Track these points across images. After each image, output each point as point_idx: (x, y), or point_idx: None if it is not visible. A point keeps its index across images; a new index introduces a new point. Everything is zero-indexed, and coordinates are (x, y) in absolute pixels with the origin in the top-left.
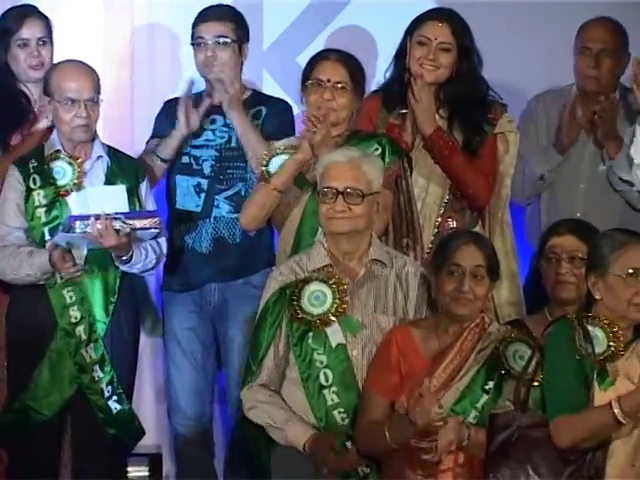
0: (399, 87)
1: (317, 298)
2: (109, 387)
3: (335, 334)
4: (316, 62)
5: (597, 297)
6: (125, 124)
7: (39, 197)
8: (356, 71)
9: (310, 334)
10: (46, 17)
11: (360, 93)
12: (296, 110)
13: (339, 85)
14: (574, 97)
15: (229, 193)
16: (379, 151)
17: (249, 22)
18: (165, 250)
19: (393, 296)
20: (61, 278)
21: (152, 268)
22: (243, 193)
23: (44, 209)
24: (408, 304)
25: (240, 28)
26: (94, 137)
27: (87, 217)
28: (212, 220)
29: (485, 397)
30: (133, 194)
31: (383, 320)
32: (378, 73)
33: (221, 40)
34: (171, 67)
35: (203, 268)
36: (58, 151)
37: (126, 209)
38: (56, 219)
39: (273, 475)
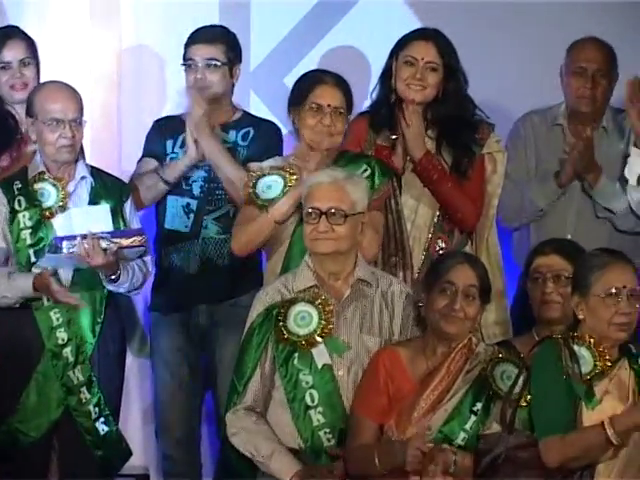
0: (386, 108)
1: (303, 319)
2: (96, 409)
3: (321, 355)
4: (314, 86)
5: (580, 317)
6: (112, 145)
7: (24, 219)
8: (349, 95)
9: (296, 355)
10: (30, 38)
11: (348, 116)
12: (284, 131)
13: (338, 110)
14: (564, 118)
15: (217, 214)
16: (368, 172)
17: None
18: (151, 269)
19: (379, 316)
20: (48, 300)
21: (139, 287)
22: (231, 214)
23: (29, 231)
24: (394, 324)
25: (231, 50)
26: (77, 158)
27: (74, 237)
28: (200, 241)
29: (473, 418)
30: (118, 214)
31: (369, 340)
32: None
33: (211, 63)
34: (158, 89)
35: (191, 289)
36: (42, 173)
37: (111, 228)
38: (41, 241)
39: None
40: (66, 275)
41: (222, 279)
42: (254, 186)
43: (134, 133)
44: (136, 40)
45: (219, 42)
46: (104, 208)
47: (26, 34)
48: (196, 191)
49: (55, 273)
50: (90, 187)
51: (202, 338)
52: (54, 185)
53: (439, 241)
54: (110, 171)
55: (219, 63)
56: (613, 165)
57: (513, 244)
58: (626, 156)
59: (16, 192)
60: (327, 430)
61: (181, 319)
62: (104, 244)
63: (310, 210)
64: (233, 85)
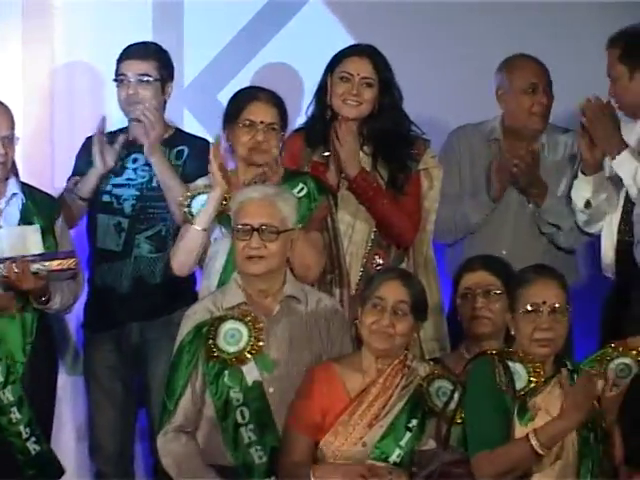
0: (321, 125)
1: (233, 336)
2: (27, 429)
3: (251, 372)
4: (247, 102)
5: (512, 333)
6: (45, 162)
7: None
8: (284, 110)
9: (226, 372)
10: None
11: (284, 132)
12: None
13: (272, 127)
14: (500, 133)
15: (149, 233)
16: (305, 191)
17: None
18: (82, 288)
19: (309, 333)
20: None
21: (69, 307)
22: (164, 233)
23: None
24: (325, 341)
25: (164, 67)
26: (9, 175)
27: (2, 260)
28: (132, 260)
29: (408, 435)
30: (49, 232)
31: (299, 357)
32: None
33: (144, 78)
34: (92, 104)
35: (123, 307)
36: None
37: (41, 249)
38: None
39: None
40: None
41: (155, 298)
42: (189, 205)
43: (67, 150)
44: (69, 56)
45: (151, 58)
46: (34, 228)
47: None
48: (127, 210)
49: None
50: (21, 204)
51: (135, 356)
52: None
53: (376, 257)
54: (43, 188)
55: (151, 79)
56: (552, 182)
57: (446, 260)
58: (575, 176)
59: None
60: (258, 447)
61: (113, 337)
62: (34, 268)
63: (241, 226)
64: (165, 102)
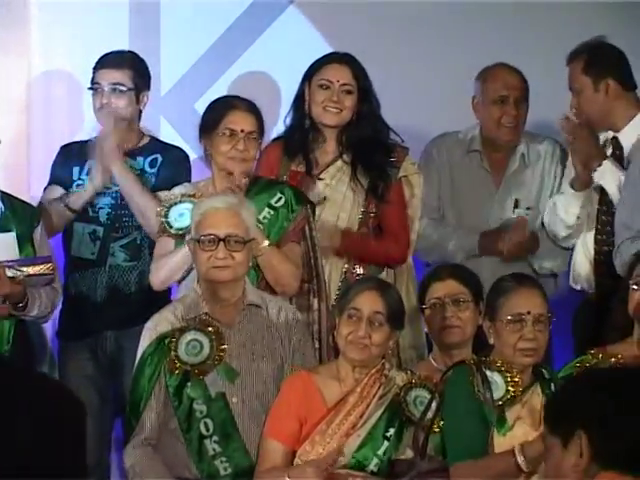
0: (300, 134)
1: (194, 347)
2: None
3: (214, 383)
4: (227, 111)
5: (491, 342)
6: (21, 171)
7: None
8: (261, 120)
9: (189, 384)
10: None
11: (261, 140)
12: (193, 156)
13: (252, 135)
14: (480, 144)
15: (125, 241)
16: (283, 201)
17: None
18: (60, 296)
19: (270, 341)
20: None
21: (47, 314)
22: (139, 241)
23: None
24: (286, 350)
25: (139, 76)
26: None
27: None
28: (107, 268)
29: (386, 444)
30: (27, 240)
31: (262, 366)
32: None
33: (117, 88)
34: (68, 113)
35: (98, 316)
36: None
37: (17, 256)
38: None
39: None
40: None
41: (130, 306)
42: (166, 215)
43: (43, 158)
44: (45, 65)
45: (126, 67)
46: (10, 235)
47: None
48: (102, 218)
49: None
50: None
51: (110, 365)
52: None
53: (356, 267)
54: (19, 196)
55: (124, 88)
56: (534, 193)
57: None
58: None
59: None
60: (223, 459)
61: (89, 346)
62: (10, 273)
63: (205, 237)
64: (140, 111)
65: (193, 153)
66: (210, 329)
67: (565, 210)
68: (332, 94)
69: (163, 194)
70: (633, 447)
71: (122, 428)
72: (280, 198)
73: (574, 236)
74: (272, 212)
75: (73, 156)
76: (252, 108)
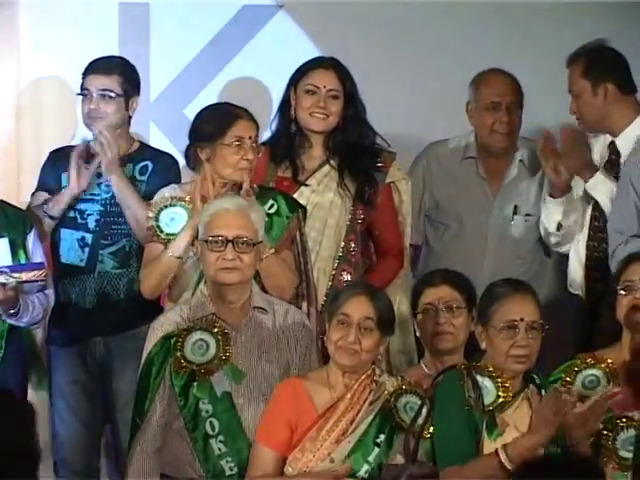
0: (286, 139)
1: (200, 347)
2: None
3: (220, 383)
4: (233, 120)
5: (483, 347)
6: (11, 177)
7: None
8: (259, 127)
9: (195, 384)
10: None
11: None
12: (182, 162)
13: (255, 144)
14: (475, 150)
15: (113, 248)
16: (275, 208)
17: None
18: (52, 302)
19: (276, 344)
20: None
21: (39, 321)
22: (127, 249)
23: None
24: (292, 352)
25: (128, 82)
26: None
27: None
28: (96, 275)
29: (376, 450)
30: (19, 246)
31: (267, 368)
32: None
33: (106, 94)
34: (58, 118)
35: (87, 323)
36: None
37: (9, 262)
38: None
39: None
40: None
41: (118, 313)
42: (157, 219)
43: (33, 163)
44: (35, 71)
45: (115, 73)
46: (3, 241)
47: None
48: (91, 225)
49: None
50: None
51: (100, 371)
52: None
53: (344, 273)
54: (9, 202)
55: (114, 94)
56: (535, 197)
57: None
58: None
59: None
60: (229, 459)
61: (78, 352)
62: (3, 279)
63: (213, 237)
64: (130, 117)
65: (182, 159)
66: (216, 329)
67: (547, 218)
68: (319, 100)
69: (159, 197)
70: None
71: (111, 434)
72: (273, 205)
73: (565, 242)
74: (266, 219)
75: (61, 162)
76: (252, 116)
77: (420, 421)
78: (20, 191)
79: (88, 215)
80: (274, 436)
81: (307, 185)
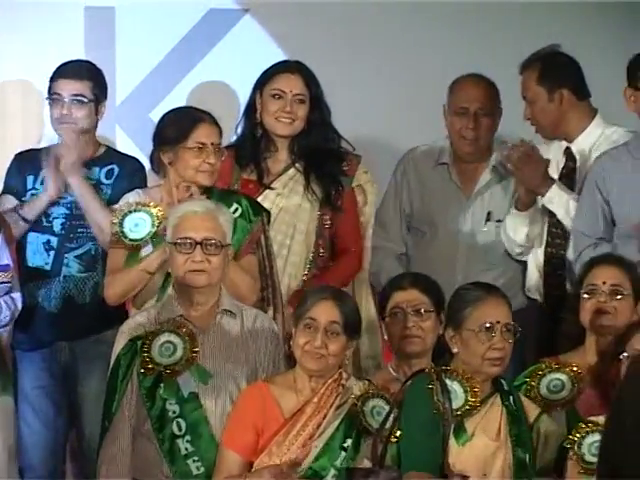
0: (251, 143)
1: (167, 349)
2: None
3: (187, 383)
4: (195, 124)
5: (454, 351)
6: None
7: None
8: (222, 130)
9: (161, 385)
10: None
11: None
12: (148, 166)
13: (217, 148)
14: (449, 156)
15: (79, 252)
16: (239, 211)
17: None
18: (20, 305)
19: (244, 346)
20: None
21: (7, 324)
22: (93, 252)
23: None
24: (261, 356)
25: (98, 86)
26: None
27: None
28: (62, 279)
29: (343, 455)
30: None
31: (235, 369)
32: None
33: (78, 99)
34: (23, 121)
35: (52, 327)
36: None
37: None
38: None
39: None
40: None
41: (84, 317)
42: (121, 224)
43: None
44: (0, 74)
45: (86, 78)
46: None
47: None
48: (57, 228)
49: None
50: None
51: (65, 375)
52: None
53: (315, 279)
54: None
55: (86, 100)
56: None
57: None
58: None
59: None
60: (195, 458)
61: (43, 356)
62: None
63: (181, 240)
64: (97, 121)
65: (147, 163)
66: (184, 330)
67: (514, 230)
68: (285, 104)
69: (123, 203)
70: None
71: (77, 438)
72: (237, 209)
73: (528, 252)
74: None
75: (27, 165)
76: (215, 120)
77: (387, 425)
78: None
79: (54, 218)
80: (240, 440)
81: (272, 188)
